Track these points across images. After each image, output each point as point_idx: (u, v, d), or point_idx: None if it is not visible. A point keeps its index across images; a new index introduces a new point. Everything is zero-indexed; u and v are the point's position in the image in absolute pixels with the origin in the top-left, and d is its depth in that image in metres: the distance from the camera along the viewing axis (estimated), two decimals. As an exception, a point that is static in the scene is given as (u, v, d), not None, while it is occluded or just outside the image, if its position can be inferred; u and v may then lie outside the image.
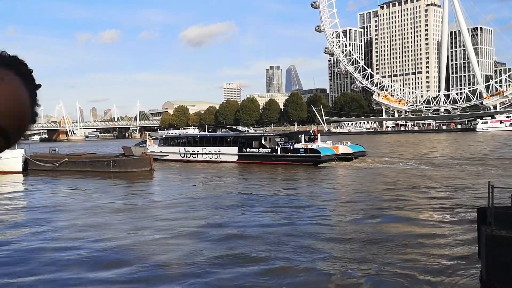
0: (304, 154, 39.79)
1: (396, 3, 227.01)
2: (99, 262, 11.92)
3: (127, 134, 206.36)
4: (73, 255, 12.65)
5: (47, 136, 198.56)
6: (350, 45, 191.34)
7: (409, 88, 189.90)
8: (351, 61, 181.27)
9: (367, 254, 12.19)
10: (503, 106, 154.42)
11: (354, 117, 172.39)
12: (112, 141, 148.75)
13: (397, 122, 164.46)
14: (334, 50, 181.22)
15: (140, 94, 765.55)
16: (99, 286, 10.38)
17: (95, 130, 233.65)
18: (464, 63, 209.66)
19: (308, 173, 35.10)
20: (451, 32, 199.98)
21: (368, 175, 31.81)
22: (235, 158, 44.61)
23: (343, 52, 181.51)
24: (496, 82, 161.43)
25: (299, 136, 43.59)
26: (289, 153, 40.98)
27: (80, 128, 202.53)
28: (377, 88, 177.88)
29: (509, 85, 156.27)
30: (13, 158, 39.91)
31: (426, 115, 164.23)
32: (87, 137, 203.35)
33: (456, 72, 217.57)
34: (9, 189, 31.08)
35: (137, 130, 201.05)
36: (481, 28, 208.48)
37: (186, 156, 48.56)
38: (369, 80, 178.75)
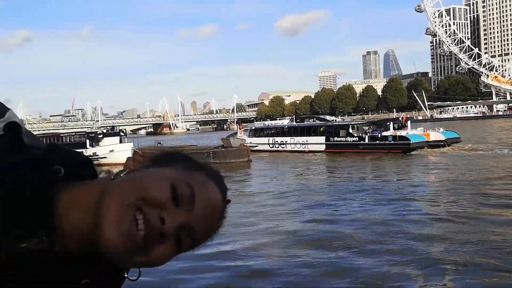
0: (392, 141, 38.96)
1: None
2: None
3: (225, 126, 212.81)
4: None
5: (152, 130, 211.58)
6: (454, 24, 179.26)
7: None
8: (456, 41, 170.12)
9: (480, 254, 10.77)
10: None
11: (459, 101, 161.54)
12: (212, 133, 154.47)
13: (510, 105, 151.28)
14: (436, 31, 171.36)
15: (237, 86, 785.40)
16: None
17: (195, 123, 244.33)
18: None
19: (397, 161, 34.01)
20: None
21: (464, 164, 29.70)
22: (322, 147, 44.69)
23: (446, 32, 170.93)
24: None
25: (388, 123, 42.84)
26: (377, 141, 40.26)
27: (182, 122, 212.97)
28: (486, 69, 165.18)
29: None
30: (124, 151, 42.93)
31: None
32: (188, 130, 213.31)
33: None
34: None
35: (235, 122, 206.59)
36: None
37: (275, 147, 49.21)
38: (476, 60, 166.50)
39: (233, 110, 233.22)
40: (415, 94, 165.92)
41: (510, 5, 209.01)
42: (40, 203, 0.77)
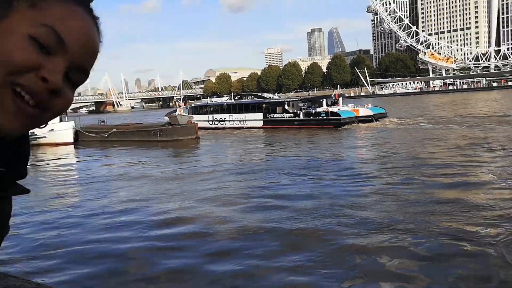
0: (325, 117, 40.74)
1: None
2: (150, 224, 12.62)
3: (171, 104, 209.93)
4: (125, 218, 13.39)
5: (94, 108, 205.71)
6: (394, 3, 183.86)
7: (457, 45, 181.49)
8: (395, 20, 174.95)
9: (412, 221, 11.30)
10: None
11: (399, 78, 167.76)
12: (157, 111, 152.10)
13: (445, 81, 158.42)
14: (377, 9, 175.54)
15: (183, 63, 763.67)
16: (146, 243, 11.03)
17: (140, 100, 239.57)
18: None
19: (330, 135, 35.63)
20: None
21: (390, 136, 31.88)
22: (260, 123, 46.06)
23: (386, 11, 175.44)
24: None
25: (321, 100, 44.78)
26: (311, 117, 42.01)
27: (126, 99, 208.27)
28: (423, 46, 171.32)
29: None
30: (65, 130, 41.62)
31: (475, 73, 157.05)
32: (133, 108, 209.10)
33: (507, 26, 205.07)
34: (62, 160, 31.72)
35: (181, 99, 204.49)
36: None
37: (214, 124, 49.92)
38: (414, 38, 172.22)
39: (179, 87, 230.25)
40: (358, 71, 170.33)
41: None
42: None
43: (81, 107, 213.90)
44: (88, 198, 16.80)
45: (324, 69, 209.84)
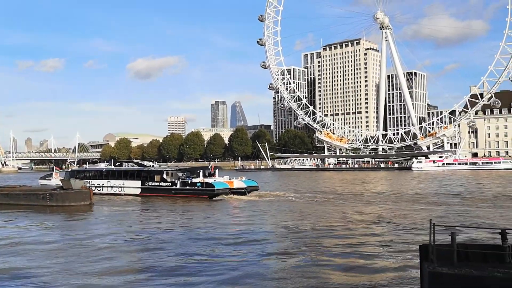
0: (200, 187, 41.51)
1: (338, 46, 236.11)
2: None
3: (64, 167, 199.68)
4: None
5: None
6: (293, 83, 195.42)
7: (349, 127, 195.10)
8: (294, 98, 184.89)
9: None
10: (436, 146, 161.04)
11: (297, 154, 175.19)
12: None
13: (339, 159, 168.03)
14: (278, 87, 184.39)
15: (81, 125, 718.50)
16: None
17: (29, 161, 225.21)
18: (400, 105, 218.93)
19: (204, 205, 35.98)
20: (388, 76, 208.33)
21: (260, 208, 32.75)
22: (138, 191, 45.92)
23: (287, 89, 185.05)
24: (428, 124, 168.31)
25: (198, 171, 45.50)
26: (187, 187, 42.55)
27: (13, 159, 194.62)
28: (319, 125, 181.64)
29: (441, 127, 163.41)
30: None
31: (365, 154, 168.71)
32: (20, 168, 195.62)
33: (393, 113, 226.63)
34: None
35: (75, 162, 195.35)
36: (415, 73, 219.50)
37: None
38: (311, 117, 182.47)
39: (74, 150, 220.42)
40: (259, 145, 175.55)
41: (339, 71, 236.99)
42: None
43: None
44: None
45: (226, 141, 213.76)
